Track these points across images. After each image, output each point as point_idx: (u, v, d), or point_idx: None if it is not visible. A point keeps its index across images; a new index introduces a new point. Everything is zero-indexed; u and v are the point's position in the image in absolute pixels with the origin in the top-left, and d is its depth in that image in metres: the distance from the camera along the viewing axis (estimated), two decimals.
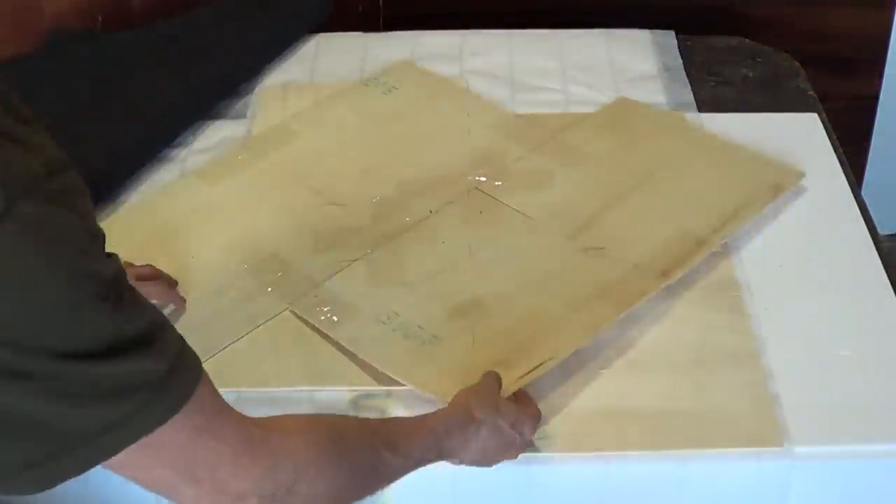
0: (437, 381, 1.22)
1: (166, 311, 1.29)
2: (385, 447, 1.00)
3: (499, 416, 1.11)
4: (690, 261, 1.37)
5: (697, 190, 1.49)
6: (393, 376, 1.24)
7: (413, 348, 1.27)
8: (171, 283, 1.31)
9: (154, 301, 1.23)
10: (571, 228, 1.43)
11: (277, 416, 0.94)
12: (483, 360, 1.23)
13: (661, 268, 1.36)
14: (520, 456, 1.16)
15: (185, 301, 1.31)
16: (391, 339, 1.28)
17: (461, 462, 1.11)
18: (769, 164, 1.53)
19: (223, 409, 0.86)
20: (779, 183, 1.50)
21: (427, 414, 1.10)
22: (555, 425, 1.21)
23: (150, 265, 1.28)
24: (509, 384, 1.19)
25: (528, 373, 1.21)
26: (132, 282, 1.18)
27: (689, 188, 1.49)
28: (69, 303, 0.74)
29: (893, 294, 1.37)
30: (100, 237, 0.79)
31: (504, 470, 1.16)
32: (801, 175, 1.52)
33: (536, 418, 1.17)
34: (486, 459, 1.12)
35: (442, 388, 1.19)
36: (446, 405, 1.14)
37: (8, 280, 0.72)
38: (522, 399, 1.18)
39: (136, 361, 0.77)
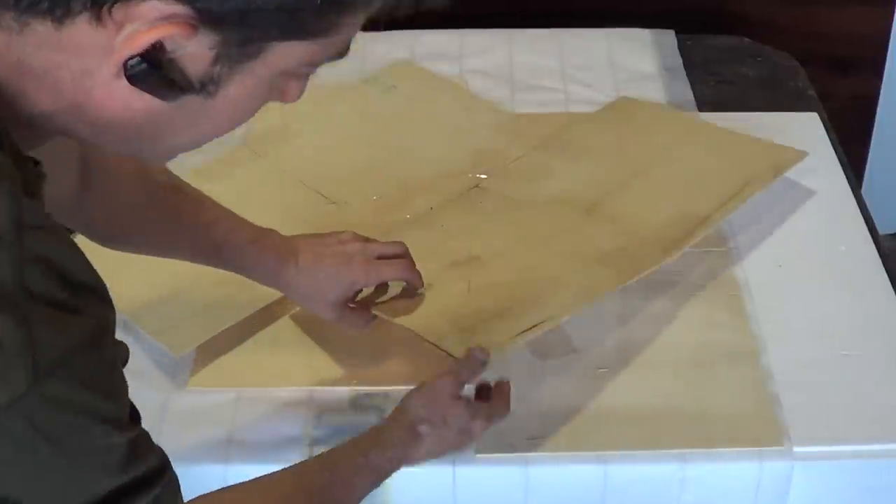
0: (427, 320, 1.19)
1: (398, 289, 1.24)
2: None
3: (444, 428, 1.09)
4: (693, 236, 1.35)
5: (698, 175, 1.48)
6: (380, 315, 1.21)
7: (405, 294, 1.24)
8: (411, 264, 1.24)
9: (387, 278, 1.22)
10: (575, 211, 1.43)
11: None
12: (478, 306, 1.22)
13: (663, 243, 1.34)
14: (520, 456, 1.17)
15: (423, 282, 1.24)
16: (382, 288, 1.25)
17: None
18: (770, 147, 1.52)
19: None
20: (779, 163, 1.48)
21: (372, 442, 1.08)
22: (555, 425, 1.20)
23: (401, 243, 1.23)
24: (506, 340, 1.16)
25: (524, 332, 1.18)
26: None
27: (691, 174, 1.48)
28: (72, 478, 0.74)
29: (893, 294, 1.37)
30: (124, 411, 0.77)
31: (504, 470, 1.16)
32: (803, 155, 1.50)
33: (494, 418, 1.13)
34: (431, 458, 1.11)
35: (433, 327, 1.17)
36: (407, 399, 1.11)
37: (17, 454, 0.71)
38: (499, 396, 1.14)
39: None
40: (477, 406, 1.12)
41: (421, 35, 1.84)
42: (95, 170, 1.06)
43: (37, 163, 0.77)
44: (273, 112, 1.65)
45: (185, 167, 1.57)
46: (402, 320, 1.21)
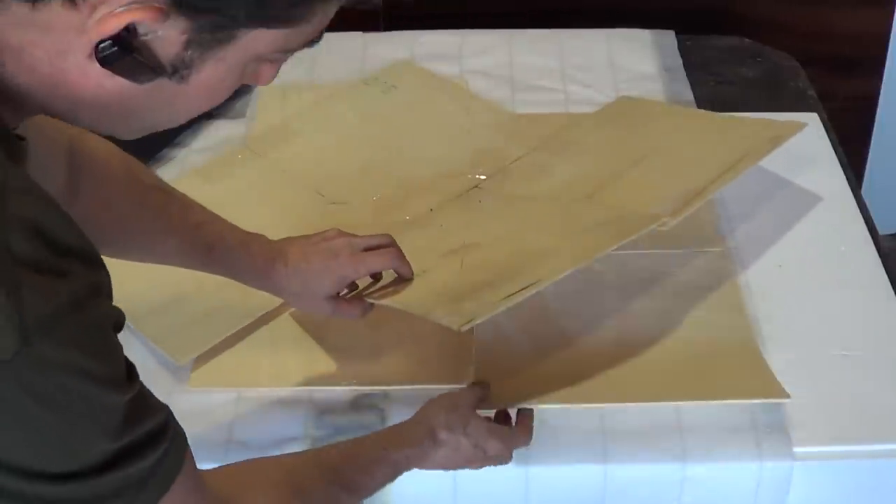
0: (418, 297, 1.19)
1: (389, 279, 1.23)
2: (346, 490, 1.02)
3: (463, 437, 1.10)
4: (690, 206, 1.29)
5: (697, 153, 1.45)
6: (372, 300, 1.21)
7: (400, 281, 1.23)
8: (399, 253, 1.22)
9: (376, 268, 1.21)
10: (574, 198, 1.42)
11: (243, 479, 0.94)
12: (470, 280, 1.21)
13: (660, 212, 1.29)
14: (520, 455, 1.16)
15: (412, 270, 1.22)
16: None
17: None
18: (769, 123, 1.50)
19: (198, 490, 0.85)
20: (778, 134, 1.44)
21: (391, 438, 1.10)
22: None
23: (387, 234, 1.22)
24: (495, 302, 1.14)
25: (516, 292, 1.14)
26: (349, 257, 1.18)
27: (689, 153, 1.46)
28: (69, 440, 0.73)
29: (893, 294, 1.37)
30: (117, 372, 0.76)
31: (504, 470, 1.16)
32: (801, 126, 1.46)
33: (512, 444, 1.15)
34: (445, 468, 1.13)
35: (427, 303, 1.17)
36: (422, 408, 1.13)
37: (11, 417, 0.71)
38: (521, 424, 1.16)
39: (124, 469, 0.76)
40: (496, 427, 1.13)
41: (421, 35, 1.84)
42: (84, 175, 1.06)
43: (21, 138, 0.78)
44: (273, 112, 1.67)
45: (186, 167, 1.58)
46: (392, 301, 1.20)
